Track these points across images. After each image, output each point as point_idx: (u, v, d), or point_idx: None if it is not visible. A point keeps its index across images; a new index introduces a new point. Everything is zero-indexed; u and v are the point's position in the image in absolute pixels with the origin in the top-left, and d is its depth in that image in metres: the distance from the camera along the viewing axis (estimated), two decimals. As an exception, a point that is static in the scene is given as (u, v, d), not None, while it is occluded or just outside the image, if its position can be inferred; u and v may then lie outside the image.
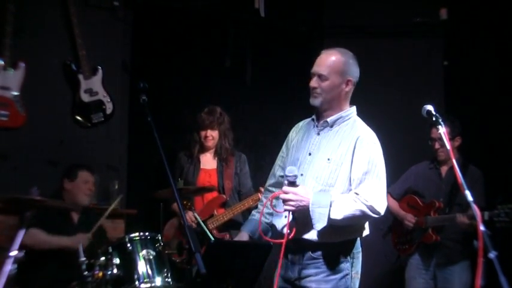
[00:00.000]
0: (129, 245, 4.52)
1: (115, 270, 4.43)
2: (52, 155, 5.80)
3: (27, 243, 4.61)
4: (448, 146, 3.58)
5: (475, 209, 3.27)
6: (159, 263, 4.54)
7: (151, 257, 4.51)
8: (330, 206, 3.52)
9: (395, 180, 5.96)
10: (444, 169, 5.72)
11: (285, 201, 3.54)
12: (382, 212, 3.63)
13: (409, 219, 5.68)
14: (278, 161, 3.98)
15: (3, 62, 5.63)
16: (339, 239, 3.65)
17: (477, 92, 6.75)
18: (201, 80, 6.74)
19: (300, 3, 7.45)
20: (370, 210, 3.57)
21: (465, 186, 3.25)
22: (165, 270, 4.55)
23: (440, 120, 3.55)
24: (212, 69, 6.90)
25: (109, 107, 6.16)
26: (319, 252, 3.65)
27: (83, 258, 4.49)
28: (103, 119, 6.14)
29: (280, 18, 7.31)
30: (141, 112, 3.54)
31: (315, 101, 3.68)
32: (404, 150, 6.91)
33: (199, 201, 5.71)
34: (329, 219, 3.50)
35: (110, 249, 4.51)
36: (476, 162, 5.69)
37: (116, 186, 6.15)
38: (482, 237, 3.08)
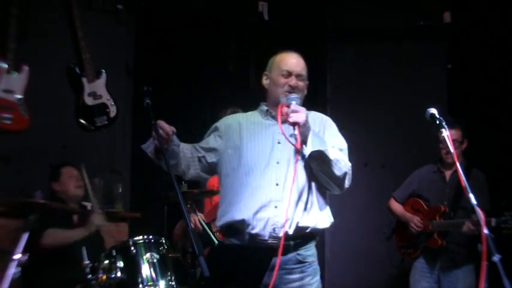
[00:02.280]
0: (132, 248, 4.52)
1: (119, 274, 4.42)
2: (55, 158, 5.79)
3: (50, 244, 4.76)
4: (452, 149, 3.59)
5: (479, 212, 3.27)
6: (162, 266, 4.53)
7: (155, 260, 4.50)
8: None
9: (399, 184, 5.95)
10: (448, 173, 5.71)
11: (294, 113, 3.53)
12: (344, 189, 3.75)
13: (416, 222, 5.66)
14: (210, 139, 3.95)
15: (6, 65, 5.63)
16: (326, 223, 3.74)
17: (481, 95, 6.75)
18: (204, 84, 6.75)
19: (302, 6, 7.46)
20: (349, 172, 3.70)
21: (469, 190, 3.25)
22: (169, 273, 4.54)
23: (443, 123, 3.55)
24: (215, 73, 6.91)
25: (113, 110, 6.16)
26: (306, 253, 3.67)
27: (87, 262, 4.49)
28: (107, 122, 6.14)
29: (283, 21, 7.33)
30: (144, 115, 3.54)
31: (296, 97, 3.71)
32: (408, 154, 6.92)
33: (208, 204, 5.69)
34: (325, 148, 3.56)
35: (114, 253, 4.50)
36: (480, 166, 5.69)
37: (120, 190, 6.15)
38: (486, 241, 3.08)
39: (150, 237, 4.62)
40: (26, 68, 5.71)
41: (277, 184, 3.64)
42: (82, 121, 6.07)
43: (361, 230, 7.19)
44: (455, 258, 5.57)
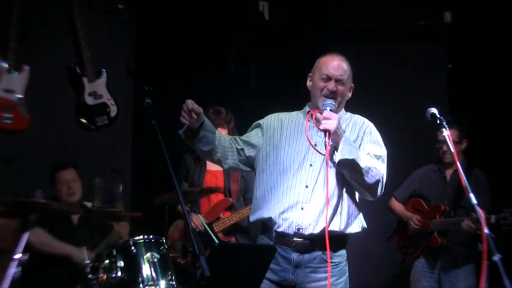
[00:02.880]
0: (133, 248, 4.52)
1: (119, 273, 4.43)
2: (56, 158, 5.79)
3: (31, 241, 4.65)
4: (452, 148, 3.59)
5: (480, 211, 3.27)
6: (163, 266, 4.53)
7: (155, 260, 4.51)
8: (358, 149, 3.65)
9: (400, 183, 5.95)
10: (449, 172, 5.71)
11: (325, 120, 3.55)
12: (377, 196, 3.76)
13: (415, 221, 5.67)
14: (252, 137, 3.93)
15: (7, 65, 5.63)
16: (356, 228, 3.77)
17: (481, 94, 6.75)
18: (205, 83, 6.74)
19: (304, 6, 7.45)
20: (382, 180, 3.67)
21: (469, 189, 3.25)
22: (169, 273, 4.55)
23: (444, 123, 3.55)
24: (216, 73, 6.91)
25: (113, 110, 6.16)
26: (333, 254, 3.67)
27: (87, 261, 4.49)
28: (107, 122, 6.14)
29: (284, 21, 7.33)
30: (145, 115, 3.53)
31: (331, 103, 3.72)
32: (408, 154, 6.91)
33: (206, 203, 5.69)
34: (356, 157, 3.55)
35: (114, 252, 4.51)
36: (481, 165, 5.69)
37: (120, 189, 6.15)
38: (486, 240, 3.08)
39: (151, 236, 4.62)
40: (26, 68, 5.72)
41: (306, 186, 3.66)
42: (83, 121, 6.07)
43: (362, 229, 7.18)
44: (456, 258, 5.57)
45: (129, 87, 6.47)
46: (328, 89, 3.77)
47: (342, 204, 3.69)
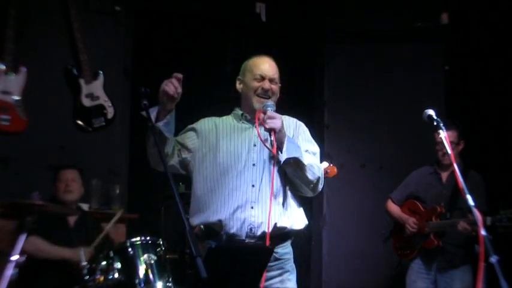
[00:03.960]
0: (130, 249, 4.52)
1: (116, 275, 4.42)
2: (53, 159, 5.80)
3: (27, 250, 4.62)
4: (449, 150, 3.60)
5: (476, 213, 3.27)
6: (160, 268, 4.53)
7: (152, 262, 4.50)
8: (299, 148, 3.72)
9: (396, 185, 5.96)
10: (445, 174, 5.72)
11: (270, 119, 3.60)
12: (317, 192, 3.83)
13: (411, 223, 5.67)
14: (187, 139, 3.92)
15: (4, 67, 5.64)
16: (302, 224, 3.79)
17: (478, 96, 6.76)
18: (202, 85, 6.75)
19: (301, 8, 7.45)
20: (322, 176, 3.77)
21: (466, 191, 3.25)
22: (166, 274, 4.55)
23: (441, 124, 3.56)
24: (213, 74, 6.91)
25: (110, 112, 6.17)
26: (283, 251, 3.73)
27: (84, 263, 4.49)
28: (104, 124, 6.15)
29: (281, 23, 7.33)
30: (142, 117, 3.54)
31: (271, 104, 3.77)
32: (405, 155, 6.93)
33: None
34: (300, 155, 3.63)
35: (111, 254, 4.50)
36: (477, 167, 5.69)
37: (117, 191, 6.15)
38: (483, 242, 3.08)
39: (148, 238, 4.62)
40: (23, 69, 5.72)
41: (253, 185, 3.68)
42: (80, 122, 6.08)
43: (359, 231, 7.19)
44: (452, 259, 5.57)
45: (126, 89, 6.47)
46: (263, 88, 3.83)
47: (287, 202, 3.74)
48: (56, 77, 6.05)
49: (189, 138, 3.91)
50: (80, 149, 6.09)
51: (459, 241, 5.52)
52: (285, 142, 3.61)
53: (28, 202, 4.57)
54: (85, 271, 4.46)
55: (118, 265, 4.46)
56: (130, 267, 4.47)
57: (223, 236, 3.65)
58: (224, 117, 4.03)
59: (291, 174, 3.70)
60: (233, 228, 3.64)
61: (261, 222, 3.62)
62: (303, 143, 3.82)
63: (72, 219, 5.39)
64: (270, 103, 3.73)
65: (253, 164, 3.73)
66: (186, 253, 5.38)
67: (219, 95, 6.75)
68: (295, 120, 3.95)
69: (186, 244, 5.37)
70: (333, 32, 7.58)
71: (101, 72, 6.15)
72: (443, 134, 3.56)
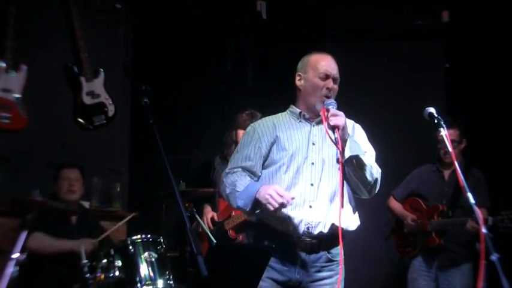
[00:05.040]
0: (131, 247, 4.53)
1: (117, 273, 4.43)
2: (54, 157, 5.79)
3: (31, 247, 4.64)
4: (450, 148, 3.60)
5: (478, 211, 3.27)
6: (161, 265, 4.54)
7: (153, 259, 4.52)
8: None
9: (398, 183, 5.96)
10: (447, 172, 5.72)
11: (333, 116, 3.55)
12: (373, 194, 3.82)
13: (409, 220, 5.68)
14: (255, 157, 3.81)
15: (5, 65, 5.63)
16: (356, 225, 3.80)
17: (479, 94, 6.75)
18: (202, 83, 6.75)
19: (301, 6, 7.45)
20: (379, 178, 3.74)
21: (467, 189, 3.25)
22: (167, 272, 4.56)
23: (442, 122, 3.56)
24: (213, 72, 6.91)
25: (111, 110, 6.17)
26: (336, 252, 3.71)
27: (85, 261, 4.49)
28: (105, 122, 6.14)
29: (281, 21, 7.33)
30: (142, 114, 3.53)
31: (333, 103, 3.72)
32: (406, 153, 6.92)
33: (222, 202, 5.68)
34: (362, 154, 3.62)
35: (112, 252, 4.51)
36: (478, 165, 5.69)
37: (118, 189, 6.15)
38: (484, 240, 3.08)
39: (149, 236, 4.63)
40: (24, 67, 5.72)
41: (311, 184, 3.66)
42: (80, 120, 6.07)
43: (360, 228, 7.17)
44: (454, 257, 5.57)
45: (126, 87, 6.47)
46: (328, 88, 3.76)
47: (345, 202, 3.66)
48: (57, 75, 6.04)
49: (256, 157, 3.79)
50: (81, 147, 6.09)
51: (460, 239, 5.52)
52: (348, 140, 3.58)
53: (29, 199, 4.56)
54: (86, 269, 4.46)
55: (119, 263, 4.47)
56: (131, 265, 4.49)
57: (277, 232, 3.62)
58: (280, 115, 3.95)
59: (350, 173, 3.67)
60: (290, 225, 3.61)
61: (319, 222, 3.60)
62: (361, 145, 3.76)
63: (74, 217, 5.39)
64: (331, 101, 3.67)
65: (312, 163, 3.69)
66: (186, 251, 5.38)
67: (220, 93, 6.76)
68: (352, 121, 3.91)
69: (186, 242, 5.37)
70: (333, 30, 7.57)
71: (102, 70, 6.15)
72: (444, 132, 3.56)
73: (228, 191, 3.70)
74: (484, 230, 3.13)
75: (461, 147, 5.62)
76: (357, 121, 4.05)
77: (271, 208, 3.43)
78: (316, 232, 3.61)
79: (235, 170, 3.74)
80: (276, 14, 7.23)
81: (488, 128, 6.56)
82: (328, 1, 7.59)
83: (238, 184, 3.65)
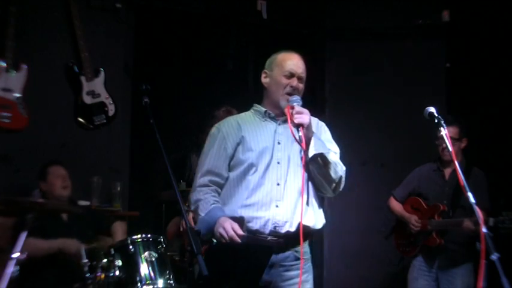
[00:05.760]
0: (131, 247, 4.52)
1: (117, 272, 4.43)
2: (54, 157, 5.78)
3: (26, 252, 4.63)
4: (450, 147, 3.60)
5: (478, 211, 3.27)
6: (161, 265, 4.54)
7: (153, 259, 4.51)
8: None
9: (398, 182, 5.95)
10: (448, 171, 5.71)
11: (298, 114, 3.59)
12: (337, 192, 3.83)
13: (414, 222, 5.66)
14: (220, 159, 3.83)
15: (5, 64, 5.63)
16: (321, 223, 3.79)
17: (479, 94, 6.75)
18: (203, 82, 6.75)
19: (302, 5, 7.45)
20: (344, 176, 3.78)
21: (467, 188, 3.25)
22: (167, 272, 4.55)
23: (442, 122, 3.56)
24: (214, 72, 6.91)
25: (111, 109, 6.17)
26: (304, 251, 3.71)
27: (85, 260, 4.49)
28: (105, 121, 6.15)
29: (282, 20, 7.34)
30: (143, 114, 3.54)
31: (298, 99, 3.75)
32: (407, 152, 6.92)
33: None
34: (327, 151, 3.65)
35: (112, 251, 4.51)
36: (479, 165, 5.69)
37: (118, 188, 6.15)
38: (484, 240, 3.08)
39: (149, 236, 4.62)
40: (24, 67, 5.72)
41: (278, 184, 3.67)
42: (80, 120, 6.07)
43: (360, 228, 7.19)
44: (454, 257, 5.57)
45: (127, 86, 6.47)
46: (291, 86, 3.77)
47: (311, 201, 3.73)
48: (57, 74, 6.04)
49: (223, 163, 3.80)
50: (81, 147, 6.09)
51: (461, 239, 5.51)
52: (313, 138, 3.60)
53: (29, 200, 4.57)
54: (86, 268, 4.46)
55: (119, 262, 4.46)
56: (131, 264, 4.48)
57: (244, 231, 3.59)
58: (243, 115, 3.98)
59: (314, 172, 3.69)
60: (256, 225, 3.62)
61: (286, 221, 3.61)
62: (326, 143, 3.78)
63: (65, 215, 5.34)
64: (297, 98, 3.70)
65: (278, 162, 3.71)
66: (187, 250, 5.38)
67: (220, 93, 6.76)
68: (316, 119, 3.89)
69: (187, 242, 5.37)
70: (334, 30, 7.57)
71: (102, 69, 6.15)
72: (444, 131, 3.56)
73: (192, 208, 3.76)
74: (484, 229, 3.12)
75: (462, 145, 5.61)
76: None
77: (223, 240, 3.48)
78: (283, 231, 3.61)
79: (201, 187, 3.75)
80: (277, 13, 7.24)
81: (488, 127, 6.56)
82: (328, 1, 7.59)
83: (201, 207, 3.67)
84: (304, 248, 3.72)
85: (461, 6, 7.05)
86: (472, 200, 3.22)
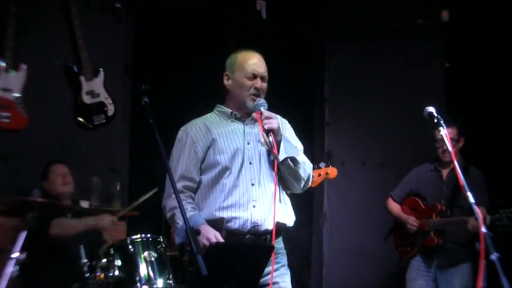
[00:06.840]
0: (130, 246, 4.53)
1: (116, 272, 4.44)
2: (54, 157, 5.78)
3: (57, 234, 4.85)
4: (449, 147, 3.60)
5: (477, 210, 3.27)
6: (160, 265, 4.54)
7: (152, 259, 4.52)
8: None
9: (397, 182, 5.96)
10: (445, 171, 5.71)
11: (267, 120, 3.62)
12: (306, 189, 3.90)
13: (412, 222, 5.67)
14: (192, 163, 3.81)
15: (4, 64, 5.63)
16: (292, 220, 3.82)
17: (479, 93, 6.75)
18: (202, 82, 6.74)
19: (301, 5, 7.45)
20: (311, 173, 3.84)
21: (467, 188, 3.25)
22: (167, 272, 4.56)
23: (441, 122, 3.56)
24: (214, 72, 6.89)
25: (111, 109, 6.17)
26: (279, 246, 3.77)
27: (85, 260, 4.49)
28: (105, 121, 6.15)
29: (281, 20, 7.33)
30: (142, 114, 3.53)
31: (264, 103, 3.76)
32: (406, 152, 6.92)
33: None
34: (296, 153, 3.69)
35: (112, 251, 4.51)
36: (478, 165, 5.69)
37: (118, 188, 6.15)
38: (484, 239, 3.08)
39: (148, 235, 4.63)
40: (24, 67, 5.72)
41: (252, 184, 3.70)
42: (80, 119, 6.08)
43: (359, 228, 7.19)
44: (453, 257, 5.57)
45: (126, 86, 6.47)
46: (256, 88, 3.80)
47: (283, 199, 3.79)
48: (57, 74, 6.04)
49: (194, 168, 3.79)
50: (81, 146, 6.10)
51: (459, 239, 5.51)
52: (282, 142, 3.64)
53: (29, 199, 4.57)
54: (85, 268, 4.46)
55: (118, 262, 4.47)
56: (130, 264, 4.49)
57: (223, 232, 3.63)
58: (208, 116, 3.99)
59: (285, 172, 3.73)
60: (235, 225, 3.64)
61: (264, 220, 3.65)
62: (290, 140, 3.80)
63: (69, 216, 5.37)
64: (263, 101, 3.72)
65: (250, 163, 3.74)
66: (186, 250, 5.37)
67: (220, 92, 6.74)
68: (278, 116, 3.88)
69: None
70: (333, 29, 7.57)
71: (102, 69, 6.15)
72: (443, 131, 3.56)
73: (168, 215, 3.75)
74: (483, 229, 3.12)
75: (459, 145, 5.61)
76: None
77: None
78: (262, 230, 3.66)
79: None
80: (276, 13, 7.23)
81: (488, 127, 6.56)
82: (328, 1, 7.59)
83: (178, 215, 3.63)
84: (279, 244, 3.79)
85: (460, 6, 7.05)
86: (471, 200, 3.22)
